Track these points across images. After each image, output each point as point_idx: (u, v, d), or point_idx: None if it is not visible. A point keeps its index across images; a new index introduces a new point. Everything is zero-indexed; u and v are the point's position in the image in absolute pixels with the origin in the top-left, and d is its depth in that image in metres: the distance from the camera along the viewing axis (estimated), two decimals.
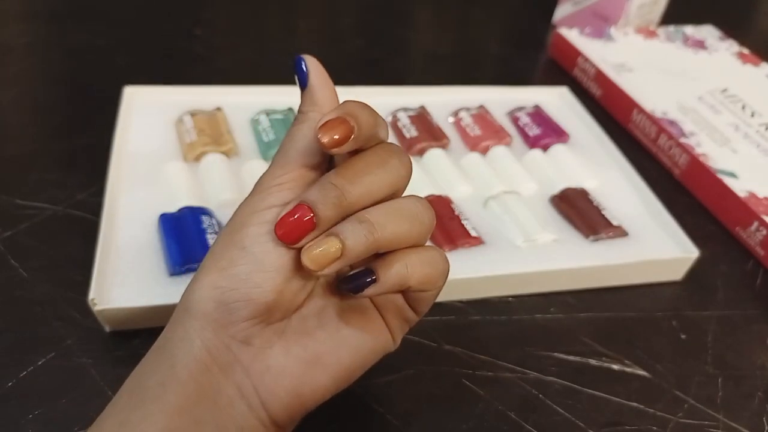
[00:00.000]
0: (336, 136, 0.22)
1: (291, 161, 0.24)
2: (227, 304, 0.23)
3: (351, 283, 0.24)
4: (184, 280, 0.35)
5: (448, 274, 0.26)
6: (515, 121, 0.53)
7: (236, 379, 0.24)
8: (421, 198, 0.26)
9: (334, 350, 0.26)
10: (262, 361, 0.24)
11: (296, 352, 0.25)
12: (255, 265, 0.23)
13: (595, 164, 0.50)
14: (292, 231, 0.23)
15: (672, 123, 0.54)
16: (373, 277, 0.24)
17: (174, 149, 0.45)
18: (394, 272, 0.24)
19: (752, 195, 0.47)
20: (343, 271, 0.26)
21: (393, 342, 0.28)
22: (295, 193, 0.24)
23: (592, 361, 0.37)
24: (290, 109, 0.48)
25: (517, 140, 0.52)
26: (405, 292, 0.26)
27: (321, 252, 0.23)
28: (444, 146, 0.49)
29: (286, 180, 0.24)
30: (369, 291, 0.24)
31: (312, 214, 0.23)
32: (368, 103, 0.24)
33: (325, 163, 0.25)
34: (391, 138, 0.49)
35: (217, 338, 0.24)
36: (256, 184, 0.25)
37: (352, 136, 0.22)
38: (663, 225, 0.45)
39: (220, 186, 0.41)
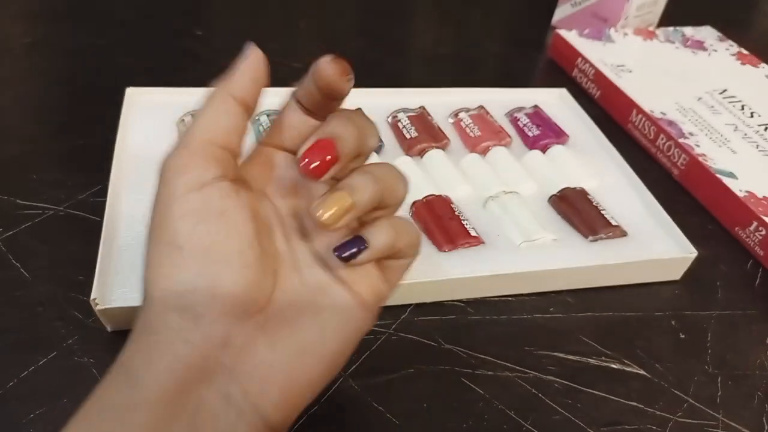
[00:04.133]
0: (315, 164, 0.23)
1: (196, 139, 0.23)
2: (190, 309, 0.22)
3: (343, 251, 0.24)
4: None
5: (421, 241, 0.27)
6: (515, 121, 0.54)
7: (220, 387, 0.22)
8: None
9: (319, 336, 0.24)
10: (247, 361, 0.23)
11: (283, 345, 0.23)
12: (202, 260, 0.22)
13: (594, 165, 0.50)
14: (318, 167, 0.23)
15: (671, 123, 0.54)
16: (365, 245, 0.24)
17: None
18: (384, 236, 0.24)
19: (751, 195, 0.47)
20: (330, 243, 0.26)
21: (372, 317, 0.27)
22: (206, 172, 0.23)
23: (592, 361, 0.37)
24: None
25: (517, 141, 0.52)
26: (389, 258, 0.26)
27: (333, 206, 0.23)
28: (444, 147, 0.49)
29: (193, 159, 0.23)
30: (362, 257, 0.24)
31: (335, 148, 0.23)
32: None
33: (236, 139, 0.25)
34: (392, 138, 0.49)
35: (192, 348, 0.22)
36: (161, 170, 0.23)
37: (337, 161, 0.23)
38: (662, 225, 0.45)
39: None
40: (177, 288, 0.22)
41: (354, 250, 0.24)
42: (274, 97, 0.50)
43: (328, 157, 0.23)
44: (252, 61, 0.25)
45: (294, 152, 0.26)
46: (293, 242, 0.26)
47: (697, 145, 0.52)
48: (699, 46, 0.68)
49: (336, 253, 0.24)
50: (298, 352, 0.24)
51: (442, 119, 0.52)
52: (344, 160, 0.23)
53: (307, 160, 0.23)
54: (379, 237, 0.24)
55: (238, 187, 0.24)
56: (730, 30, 0.71)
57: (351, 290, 0.26)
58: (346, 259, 0.24)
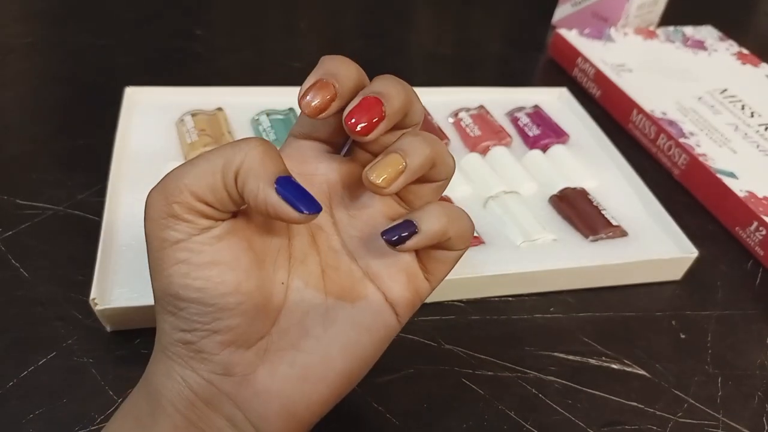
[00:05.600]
0: (316, 102, 0.22)
1: (182, 190, 0.21)
2: (194, 343, 0.22)
3: (392, 234, 0.23)
4: None
5: (473, 232, 0.26)
6: (515, 121, 0.54)
7: (224, 411, 0.23)
8: None
9: (323, 358, 0.24)
10: (247, 389, 0.23)
11: (283, 372, 0.23)
12: (201, 303, 0.22)
13: (594, 164, 0.50)
14: (366, 126, 0.22)
15: (671, 123, 0.54)
16: (415, 229, 0.23)
17: (175, 149, 0.45)
18: (436, 221, 0.23)
19: (752, 195, 0.47)
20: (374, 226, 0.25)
21: (397, 322, 0.25)
22: (192, 227, 0.21)
23: (592, 361, 0.37)
24: (291, 110, 0.48)
25: (517, 140, 0.52)
26: (437, 247, 0.25)
27: (387, 168, 0.22)
28: None
29: (178, 213, 0.21)
30: (411, 243, 0.23)
31: (382, 105, 0.22)
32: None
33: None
34: None
35: (197, 375, 0.23)
36: (147, 206, 0.22)
37: (336, 98, 0.22)
38: (662, 225, 0.45)
39: None
40: (181, 325, 0.22)
41: (404, 233, 0.23)
42: (275, 97, 0.50)
43: (376, 115, 0.22)
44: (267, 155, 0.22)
45: (320, 140, 0.25)
46: (315, 248, 0.25)
47: (698, 145, 0.52)
48: (699, 45, 0.68)
49: (385, 237, 0.23)
50: (300, 377, 0.23)
51: (442, 119, 0.52)
52: (392, 118, 0.22)
53: (354, 119, 0.22)
54: (430, 221, 0.23)
55: (231, 225, 0.22)
56: (730, 30, 0.71)
57: (374, 296, 0.25)
58: (395, 243, 0.23)
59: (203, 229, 0.22)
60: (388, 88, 0.22)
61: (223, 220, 0.22)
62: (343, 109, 0.23)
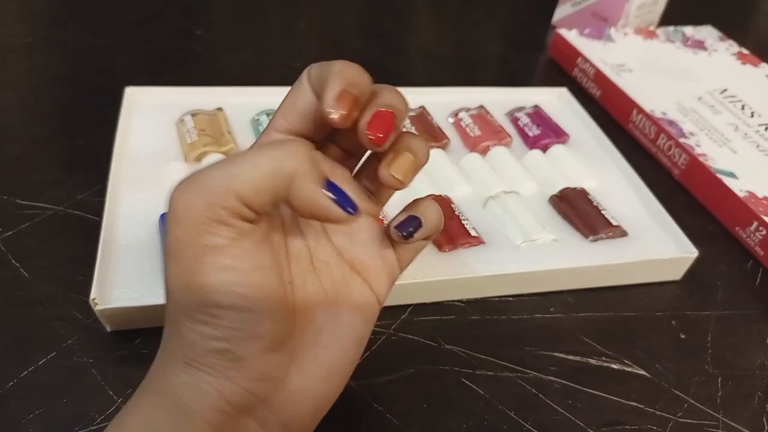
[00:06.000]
0: (345, 112, 0.23)
1: (219, 189, 0.21)
2: (230, 351, 0.22)
3: (405, 228, 0.25)
4: None
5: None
6: (515, 121, 0.53)
7: (258, 415, 0.23)
8: None
9: (341, 352, 0.25)
10: (281, 391, 0.23)
11: (310, 370, 0.24)
12: (243, 311, 0.21)
13: (594, 164, 0.50)
14: (383, 137, 0.24)
15: (671, 123, 0.54)
16: (419, 223, 0.26)
17: (175, 149, 0.45)
18: (436, 215, 0.26)
19: (752, 195, 0.47)
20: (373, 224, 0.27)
21: (378, 302, 0.27)
22: (231, 230, 0.21)
23: (592, 361, 0.37)
24: None
25: (517, 140, 0.52)
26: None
27: (404, 165, 0.24)
28: (444, 146, 0.49)
29: (216, 216, 0.21)
30: (418, 234, 0.26)
31: (395, 118, 0.24)
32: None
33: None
34: None
35: (234, 384, 0.22)
36: (175, 206, 0.21)
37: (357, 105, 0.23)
38: (662, 225, 0.45)
39: None
40: (217, 333, 0.21)
41: (411, 227, 0.25)
42: (275, 97, 0.50)
43: (391, 128, 0.24)
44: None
45: (305, 135, 0.26)
46: (305, 245, 0.26)
47: (698, 145, 0.52)
48: (699, 45, 0.68)
49: (398, 231, 0.26)
50: (327, 375, 0.25)
51: (442, 119, 0.52)
52: (400, 128, 0.24)
53: (372, 131, 0.23)
54: (432, 215, 0.26)
55: (267, 230, 0.23)
56: (730, 30, 0.71)
57: (365, 288, 0.26)
58: (407, 237, 0.25)
59: (244, 233, 0.21)
60: (397, 101, 0.24)
61: (257, 224, 0.22)
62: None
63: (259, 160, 0.21)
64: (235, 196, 0.20)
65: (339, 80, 0.23)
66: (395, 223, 0.26)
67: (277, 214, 0.25)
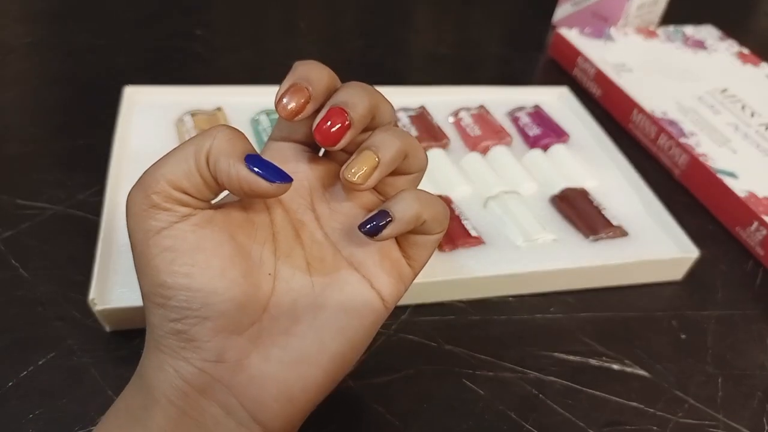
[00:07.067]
0: (292, 105, 0.23)
1: (158, 182, 0.22)
2: (185, 332, 0.23)
3: (368, 225, 0.24)
4: None
5: (449, 216, 0.27)
6: (515, 121, 0.53)
7: (218, 398, 0.23)
8: None
9: (316, 342, 0.24)
10: (241, 374, 0.23)
11: (276, 356, 0.24)
12: (189, 289, 0.22)
13: (594, 164, 0.50)
14: (333, 134, 0.24)
15: (672, 123, 0.54)
16: (389, 218, 0.24)
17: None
18: (408, 207, 0.24)
19: (752, 195, 0.47)
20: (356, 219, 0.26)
21: (384, 307, 0.26)
22: (172, 215, 0.23)
23: (592, 361, 0.37)
24: None
25: (517, 140, 0.52)
26: (415, 232, 0.26)
27: (362, 165, 0.24)
28: (444, 146, 0.49)
29: (158, 203, 0.22)
30: (387, 231, 0.24)
31: (347, 114, 0.23)
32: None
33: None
34: None
35: (189, 364, 0.23)
36: (128, 205, 0.23)
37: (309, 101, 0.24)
38: (663, 225, 0.45)
39: None
40: (171, 314, 0.23)
41: (379, 223, 0.24)
42: (274, 97, 0.50)
43: (341, 124, 0.24)
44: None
45: (301, 142, 0.27)
46: (299, 242, 0.26)
47: (698, 145, 0.52)
48: (699, 45, 0.68)
49: (362, 229, 0.25)
50: (294, 361, 0.24)
51: (442, 119, 0.52)
52: (358, 125, 0.24)
53: (322, 129, 0.24)
54: (403, 208, 0.24)
55: (210, 215, 0.24)
56: (730, 30, 0.71)
57: (359, 282, 0.26)
58: (372, 233, 0.24)
59: (183, 216, 0.23)
60: (352, 96, 0.24)
61: (201, 209, 0.23)
62: (318, 111, 0.24)
63: (184, 146, 0.23)
64: (164, 181, 0.22)
65: (292, 75, 0.24)
66: (361, 220, 0.25)
67: (263, 213, 0.26)
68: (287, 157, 0.27)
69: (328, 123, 0.24)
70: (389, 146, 0.24)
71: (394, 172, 0.26)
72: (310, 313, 0.25)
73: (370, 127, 0.25)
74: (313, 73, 0.24)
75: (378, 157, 0.24)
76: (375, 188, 0.27)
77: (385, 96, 0.26)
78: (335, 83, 0.25)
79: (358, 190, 0.25)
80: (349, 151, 0.26)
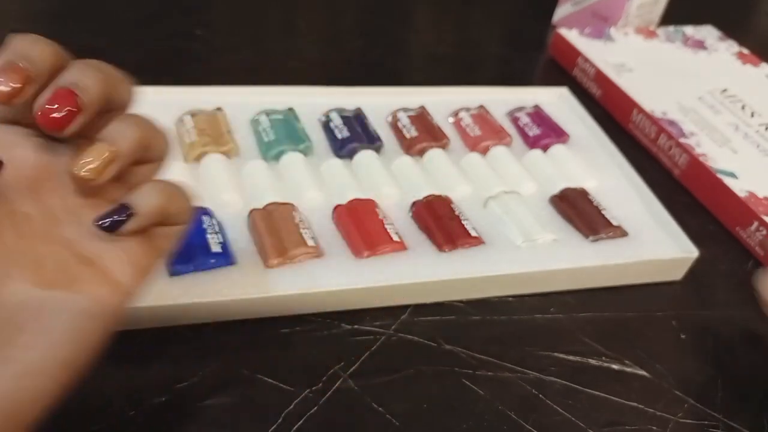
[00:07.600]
0: (5, 87, 0.20)
1: None
2: None
3: (105, 220, 0.22)
4: (185, 281, 0.35)
5: (193, 207, 0.25)
6: (515, 121, 0.53)
7: None
8: None
9: (44, 351, 0.21)
10: None
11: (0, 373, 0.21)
12: None
13: (594, 164, 0.50)
14: (60, 119, 0.21)
15: (672, 123, 0.54)
16: (130, 212, 0.22)
17: (174, 149, 0.45)
18: (153, 201, 0.23)
19: (752, 195, 0.47)
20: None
21: (123, 301, 0.24)
22: None
23: (592, 361, 0.37)
24: (291, 109, 0.48)
25: (517, 140, 0.52)
26: (159, 224, 0.24)
27: (94, 159, 0.21)
28: (444, 146, 0.49)
29: None
30: (130, 225, 0.22)
31: (76, 98, 0.21)
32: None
33: None
34: (392, 138, 0.49)
35: None
36: None
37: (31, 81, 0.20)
38: (663, 225, 0.45)
39: (221, 186, 0.41)
40: None
41: (119, 217, 0.22)
42: (274, 97, 0.50)
43: (69, 108, 0.21)
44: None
45: (20, 123, 0.23)
46: (20, 240, 0.23)
47: (698, 145, 0.52)
48: (699, 45, 0.68)
49: (98, 224, 0.22)
50: (16, 374, 0.21)
51: (442, 119, 0.52)
52: (90, 110, 0.22)
53: (46, 113, 0.21)
54: (147, 202, 0.23)
55: None
56: (730, 30, 0.71)
57: (98, 283, 0.23)
58: (110, 229, 0.22)
59: None
60: (84, 76, 0.21)
61: None
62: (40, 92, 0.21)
63: None
64: None
65: (6, 52, 0.21)
66: (97, 215, 0.22)
67: None
68: (5, 142, 0.23)
69: (55, 106, 0.21)
70: (127, 137, 0.22)
71: (135, 161, 0.24)
72: (34, 321, 0.22)
73: (104, 111, 0.23)
74: (33, 49, 0.21)
75: (113, 150, 0.22)
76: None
77: (121, 74, 0.23)
78: (62, 61, 0.22)
79: (91, 186, 0.22)
80: (87, 135, 0.23)
